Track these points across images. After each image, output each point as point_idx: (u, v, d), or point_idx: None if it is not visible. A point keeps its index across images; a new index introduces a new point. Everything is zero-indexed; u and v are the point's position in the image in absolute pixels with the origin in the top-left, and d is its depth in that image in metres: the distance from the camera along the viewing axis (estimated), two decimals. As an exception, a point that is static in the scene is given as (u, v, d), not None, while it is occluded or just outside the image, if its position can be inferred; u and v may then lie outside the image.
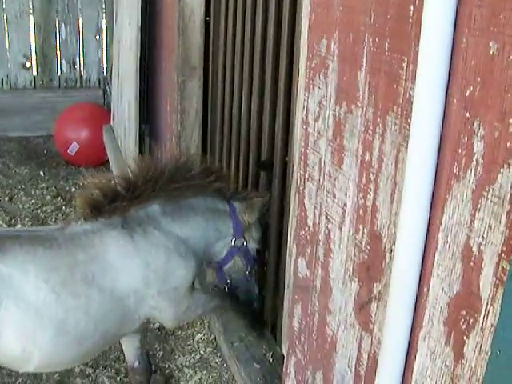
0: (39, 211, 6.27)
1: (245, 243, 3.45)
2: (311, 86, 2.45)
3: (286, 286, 3.05)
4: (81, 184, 3.40)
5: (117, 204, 3.07)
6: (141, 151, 5.63)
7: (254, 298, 3.67)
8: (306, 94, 2.49)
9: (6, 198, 6.51)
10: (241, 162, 4.18)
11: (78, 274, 2.89)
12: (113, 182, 3.22)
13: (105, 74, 8.35)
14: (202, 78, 4.92)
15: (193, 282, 3.31)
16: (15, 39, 7.95)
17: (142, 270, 3.03)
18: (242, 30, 4.03)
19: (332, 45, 2.28)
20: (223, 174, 3.53)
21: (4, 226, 5.89)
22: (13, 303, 2.75)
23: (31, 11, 7.92)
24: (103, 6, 8.09)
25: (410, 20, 1.80)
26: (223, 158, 4.56)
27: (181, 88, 4.89)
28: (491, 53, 1.52)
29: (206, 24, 4.82)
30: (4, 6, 7.81)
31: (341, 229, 2.32)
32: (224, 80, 4.46)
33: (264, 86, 3.72)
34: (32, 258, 2.84)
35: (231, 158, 4.38)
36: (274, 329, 3.83)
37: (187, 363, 4.14)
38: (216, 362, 4.13)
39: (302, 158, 2.58)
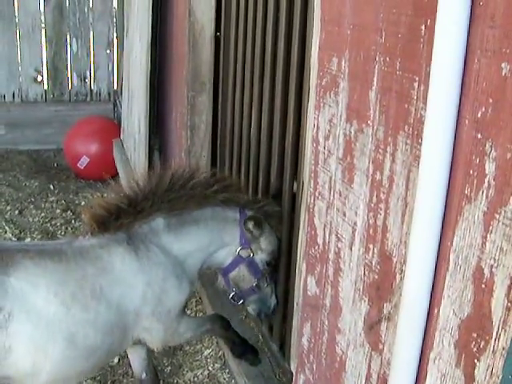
0: (48, 225, 6.27)
1: (251, 254, 3.42)
2: (322, 104, 2.45)
3: (295, 304, 3.04)
4: (87, 200, 3.41)
5: (122, 220, 3.08)
6: (150, 165, 5.63)
7: (266, 310, 3.62)
8: (317, 113, 2.49)
9: (16, 211, 6.51)
10: (250, 178, 4.18)
11: (87, 288, 2.90)
12: (116, 198, 3.22)
13: (115, 87, 8.38)
14: (211, 94, 4.94)
15: (184, 306, 3.32)
16: (27, 53, 7.99)
17: (142, 288, 3.03)
18: (253, 46, 4.04)
19: (343, 63, 2.28)
20: (231, 183, 3.49)
21: (13, 239, 5.90)
22: (25, 317, 2.75)
23: (43, 25, 7.97)
24: (114, 21, 8.13)
25: (422, 40, 1.80)
26: (233, 174, 4.56)
27: (191, 103, 4.91)
28: (503, 74, 1.51)
29: (217, 39, 4.85)
30: (17, 21, 7.86)
31: (351, 248, 2.31)
32: (234, 96, 4.47)
33: (274, 102, 3.72)
34: (42, 272, 2.84)
35: (241, 174, 4.38)
36: (282, 346, 3.81)
37: (195, 379, 4.11)
38: (224, 379, 4.11)
39: (312, 175, 2.57)
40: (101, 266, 2.97)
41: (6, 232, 6.06)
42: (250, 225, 3.34)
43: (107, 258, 3.00)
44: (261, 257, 3.45)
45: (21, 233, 6.05)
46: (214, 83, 4.91)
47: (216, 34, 4.84)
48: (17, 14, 7.85)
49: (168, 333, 3.23)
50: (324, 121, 2.44)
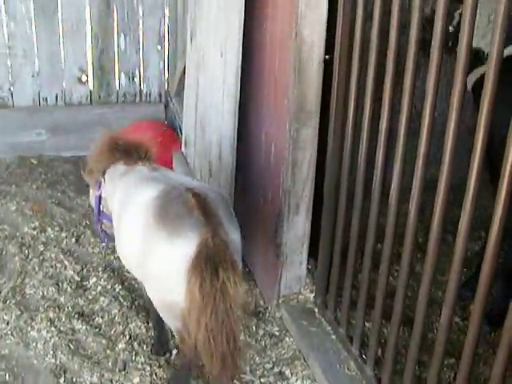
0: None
1: None
2: None
3: None
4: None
5: None
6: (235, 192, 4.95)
7: None
8: None
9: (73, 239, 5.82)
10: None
11: None
12: None
13: (166, 87, 7.60)
14: (317, 127, 4.24)
15: None
16: (71, 52, 7.19)
17: None
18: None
19: None
20: None
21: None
22: None
23: (89, 20, 7.14)
24: (166, 15, 7.31)
25: None
26: (338, 221, 3.91)
27: (293, 137, 4.21)
28: None
29: (326, 63, 4.12)
30: (60, 16, 7.02)
31: None
32: (347, 131, 3.80)
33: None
34: None
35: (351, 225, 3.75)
36: None
37: None
38: None
39: None
40: None
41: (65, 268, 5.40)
42: None
43: None
44: None
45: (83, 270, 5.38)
46: (321, 115, 4.20)
47: (325, 56, 4.10)
48: (60, 9, 7.02)
49: None
50: None
